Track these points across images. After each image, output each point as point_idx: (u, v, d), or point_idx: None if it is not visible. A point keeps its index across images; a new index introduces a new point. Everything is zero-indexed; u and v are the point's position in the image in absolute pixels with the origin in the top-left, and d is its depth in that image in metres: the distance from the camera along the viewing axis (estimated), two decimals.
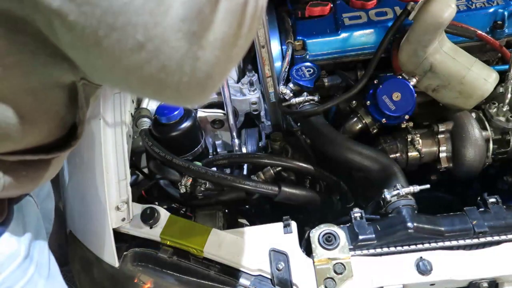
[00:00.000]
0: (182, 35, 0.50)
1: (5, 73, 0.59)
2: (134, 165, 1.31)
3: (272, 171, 1.25)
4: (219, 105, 1.54)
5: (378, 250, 1.02)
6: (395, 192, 1.07)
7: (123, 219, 1.08)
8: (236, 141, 1.42)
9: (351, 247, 1.01)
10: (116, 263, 1.05)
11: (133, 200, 1.12)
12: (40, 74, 0.61)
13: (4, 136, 0.64)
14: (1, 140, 0.65)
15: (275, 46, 1.37)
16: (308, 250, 1.03)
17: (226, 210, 1.25)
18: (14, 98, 0.62)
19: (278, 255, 1.02)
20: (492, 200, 1.06)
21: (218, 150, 1.51)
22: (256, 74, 1.47)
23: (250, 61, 1.58)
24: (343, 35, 1.32)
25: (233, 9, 0.53)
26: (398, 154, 1.25)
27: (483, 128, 1.19)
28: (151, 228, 1.09)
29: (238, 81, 1.51)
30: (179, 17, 0.49)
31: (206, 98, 0.59)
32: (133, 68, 0.51)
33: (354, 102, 1.27)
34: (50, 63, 0.60)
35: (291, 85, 1.29)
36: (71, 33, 0.50)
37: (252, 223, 1.31)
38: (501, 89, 1.21)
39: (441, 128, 1.21)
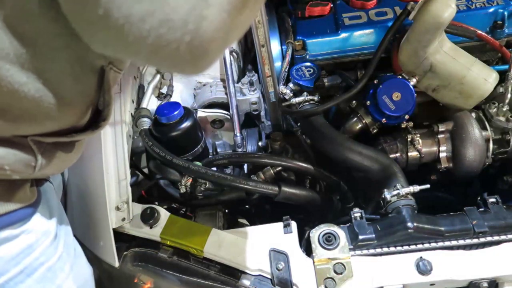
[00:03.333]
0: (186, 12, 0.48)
1: (54, 55, 0.62)
2: (134, 165, 1.31)
3: (272, 171, 1.25)
4: (219, 105, 1.54)
5: (378, 250, 1.02)
6: (395, 192, 1.07)
7: (123, 219, 1.08)
8: (239, 136, 1.42)
9: (351, 247, 1.01)
10: (116, 263, 1.05)
11: (133, 200, 1.12)
12: (81, 58, 0.64)
13: (46, 115, 0.66)
14: (42, 119, 0.67)
15: (275, 46, 1.37)
16: (308, 250, 1.04)
17: (226, 210, 1.25)
18: (59, 80, 0.65)
19: (278, 255, 1.02)
20: (492, 200, 1.07)
21: (218, 150, 1.51)
22: (256, 74, 1.48)
23: (250, 61, 1.58)
24: (343, 35, 1.32)
25: None
26: (398, 154, 1.25)
27: (483, 128, 1.19)
28: (151, 228, 1.09)
29: (238, 81, 1.51)
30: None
31: (204, 66, 0.56)
32: (134, 19, 0.48)
33: (354, 102, 1.27)
34: (89, 47, 0.61)
35: (291, 85, 1.29)
36: None
37: (252, 223, 1.31)
38: (501, 89, 1.21)
39: (441, 128, 1.21)
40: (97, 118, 0.78)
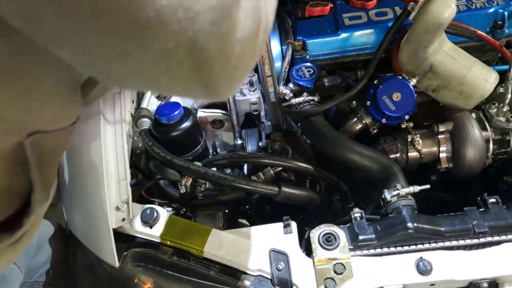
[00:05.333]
0: (211, 36, 0.50)
1: None
2: (134, 165, 1.31)
3: (272, 171, 1.25)
4: (219, 105, 1.54)
5: (378, 250, 1.02)
6: (395, 192, 1.07)
7: (123, 219, 1.08)
8: (239, 141, 1.42)
9: (351, 247, 1.01)
10: (116, 263, 1.05)
11: (133, 200, 1.12)
12: None
13: None
14: None
15: (275, 46, 1.36)
16: (308, 250, 1.03)
17: (226, 210, 1.25)
18: None
19: (278, 255, 1.02)
20: (492, 200, 1.07)
21: (218, 150, 1.51)
22: (256, 74, 1.47)
23: None
24: (343, 35, 1.32)
25: (255, 5, 0.53)
26: (398, 154, 1.25)
27: (483, 128, 1.19)
28: (151, 228, 1.09)
29: None
30: (209, 20, 0.49)
31: (234, 89, 0.60)
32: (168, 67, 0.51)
33: (354, 102, 1.27)
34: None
35: (291, 85, 1.29)
36: None
37: (252, 223, 1.31)
38: (501, 89, 1.21)
39: (441, 128, 1.21)
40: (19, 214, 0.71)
